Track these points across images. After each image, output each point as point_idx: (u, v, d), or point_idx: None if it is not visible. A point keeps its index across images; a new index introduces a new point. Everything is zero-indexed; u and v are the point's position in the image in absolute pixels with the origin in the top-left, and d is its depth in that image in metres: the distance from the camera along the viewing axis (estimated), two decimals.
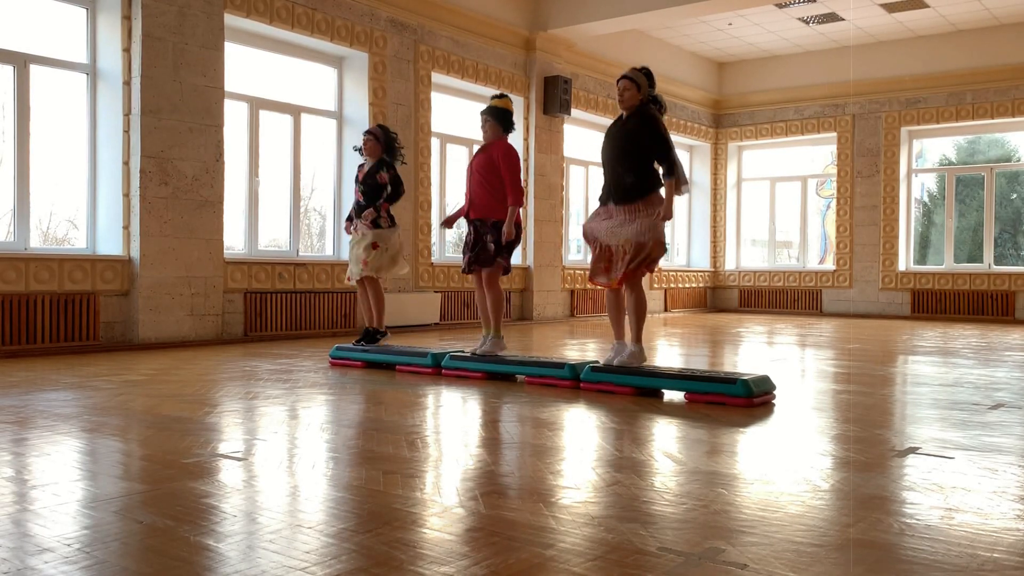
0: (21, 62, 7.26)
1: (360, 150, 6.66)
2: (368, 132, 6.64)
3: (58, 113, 7.66)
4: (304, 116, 9.47)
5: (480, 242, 5.86)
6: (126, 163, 7.53)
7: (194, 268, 7.87)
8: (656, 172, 5.15)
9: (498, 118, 5.85)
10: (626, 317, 5.36)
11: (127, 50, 7.54)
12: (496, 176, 5.80)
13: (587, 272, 5.84)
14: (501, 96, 5.98)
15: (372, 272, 6.49)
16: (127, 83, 7.54)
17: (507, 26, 11.26)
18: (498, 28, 11.16)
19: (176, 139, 7.73)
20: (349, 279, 6.74)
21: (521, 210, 5.96)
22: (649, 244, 5.09)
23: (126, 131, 7.53)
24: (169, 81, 7.67)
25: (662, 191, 5.16)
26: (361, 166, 6.69)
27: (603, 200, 5.31)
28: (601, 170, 5.44)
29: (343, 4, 9.29)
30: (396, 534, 2.30)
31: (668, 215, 5.08)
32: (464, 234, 6.18)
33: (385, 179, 6.49)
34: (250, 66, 8.97)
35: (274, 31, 8.77)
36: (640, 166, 5.13)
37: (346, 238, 9.65)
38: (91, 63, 7.67)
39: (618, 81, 5.22)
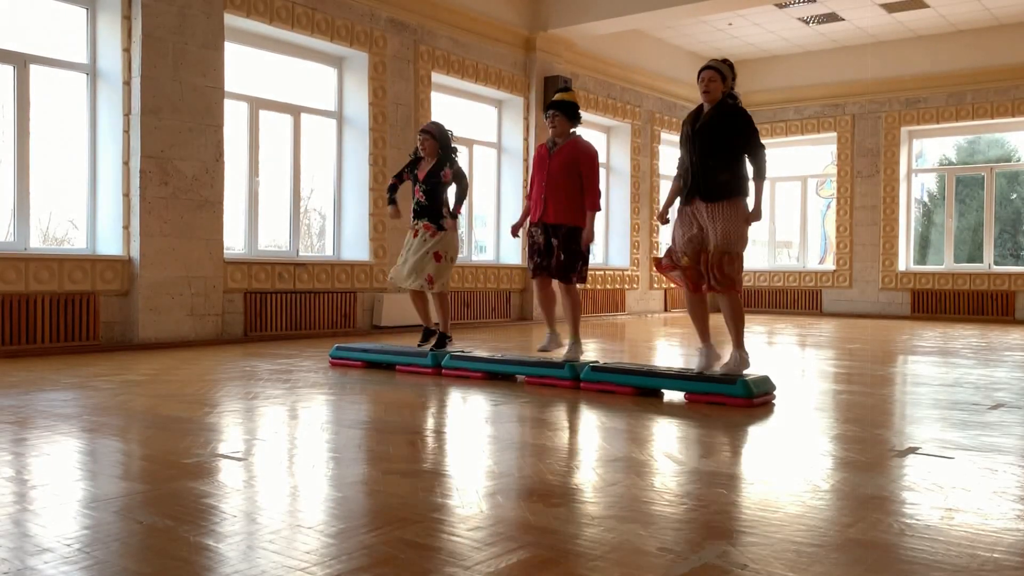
0: (21, 62, 7.25)
1: (416, 153, 6.33)
2: (424, 131, 6.27)
3: (58, 113, 7.65)
4: (304, 116, 9.46)
5: (552, 250, 5.59)
6: (126, 163, 7.53)
7: (194, 268, 7.87)
8: (746, 173, 4.89)
9: (567, 112, 5.55)
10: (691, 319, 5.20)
11: (127, 50, 7.54)
12: (576, 179, 5.51)
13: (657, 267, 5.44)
14: (565, 89, 5.71)
15: (440, 289, 6.16)
16: (127, 83, 7.54)
17: (507, 26, 11.26)
18: (498, 28, 11.15)
19: (176, 139, 7.73)
20: (394, 282, 6.34)
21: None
22: (735, 251, 4.86)
23: (126, 131, 7.53)
24: (169, 81, 7.67)
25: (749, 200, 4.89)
26: (417, 162, 6.32)
27: (687, 197, 4.93)
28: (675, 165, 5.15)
29: (343, 4, 9.28)
30: (396, 534, 2.30)
31: (758, 216, 4.86)
32: (530, 237, 5.77)
33: (448, 176, 6.17)
34: (250, 66, 8.97)
35: (274, 31, 8.77)
36: (734, 164, 4.86)
37: (346, 239, 9.71)
38: (91, 63, 7.67)
39: (701, 71, 4.88)
